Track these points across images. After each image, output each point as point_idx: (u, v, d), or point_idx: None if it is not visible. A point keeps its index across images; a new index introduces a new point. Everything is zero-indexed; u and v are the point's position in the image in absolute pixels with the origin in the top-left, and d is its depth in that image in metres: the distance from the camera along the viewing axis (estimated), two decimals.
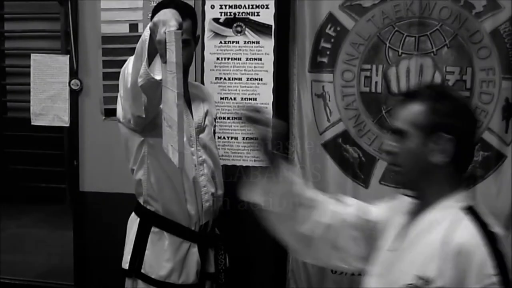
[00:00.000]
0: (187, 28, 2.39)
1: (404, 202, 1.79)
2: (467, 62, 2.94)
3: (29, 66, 3.42)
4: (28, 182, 6.32)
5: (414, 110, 1.62)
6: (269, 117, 1.95)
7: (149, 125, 2.30)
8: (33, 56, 3.42)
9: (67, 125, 3.41)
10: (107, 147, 3.27)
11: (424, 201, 1.67)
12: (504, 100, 2.94)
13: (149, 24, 1.92)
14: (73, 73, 3.34)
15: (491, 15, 2.89)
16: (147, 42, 1.93)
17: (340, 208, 1.93)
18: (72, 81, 3.34)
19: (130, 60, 2.15)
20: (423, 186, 1.65)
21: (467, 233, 1.51)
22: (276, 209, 1.92)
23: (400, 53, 3.00)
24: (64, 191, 6.08)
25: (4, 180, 6.43)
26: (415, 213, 1.68)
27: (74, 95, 3.36)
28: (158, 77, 1.94)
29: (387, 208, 1.87)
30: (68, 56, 3.35)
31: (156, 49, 1.89)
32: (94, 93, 3.33)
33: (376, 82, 3.04)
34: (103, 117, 3.30)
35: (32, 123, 3.46)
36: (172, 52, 1.75)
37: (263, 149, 1.89)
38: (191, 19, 2.45)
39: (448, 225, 1.54)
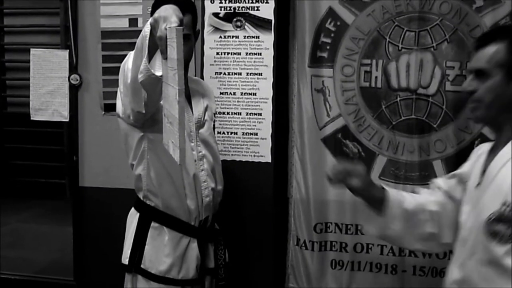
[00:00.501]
0: (187, 22, 2.38)
1: (485, 146, 1.90)
2: (467, 56, 2.93)
3: (28, 61, 3.41)
4: (28, 177, 6.32)
5: (494, 49, 1.73)
6: (354, 165, 2.01)
7: (148, 120, 2.30)
8: (32, 51, 3.41)
9: (67, 120, 3.40)
10: (107, 142, 3.27)
11: (503, 135, 1.77)
12: None
13: (150, 20, 1.92)
14: (73, 68, 3.34)
15: (491, 10, 2.89)
16: (147, 38, 1.92)
17: (437, 193, 2.07)
18: (72, 76, 3.34)
19: (130, 55, 2.14)
20: (503, 120, 1.76)
21: None
22: (398, 232, 2.02)
23: (400, 48, 3.00)
24: (64, 186, 6.07)
25: (4, 175, 6.43)
26: (495, 149, 1.80)
27: (74, 90, 3.36)
28: (158, 73, 1.94)
29: (471, 159, 1.98)
30: (68, 51, 3.34)
31: (156, 45, 1.89)
32: (93, 88, 3.33)
33: (376, 77, 3.04)
34: (103, 112, 3.30)
35: (32, 118, 3.46)
36: (174, 49, 1.75)
37: (367, 194, 1.98)
38: (191, 13, 2.44)
39: None
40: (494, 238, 1.64)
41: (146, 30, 1.93)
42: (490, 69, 1.73)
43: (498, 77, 1.71)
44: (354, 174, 1.93)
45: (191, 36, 2.46)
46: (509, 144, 1.72)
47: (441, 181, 2.10)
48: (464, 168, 2.00)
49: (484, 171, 1.79)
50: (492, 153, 1.80)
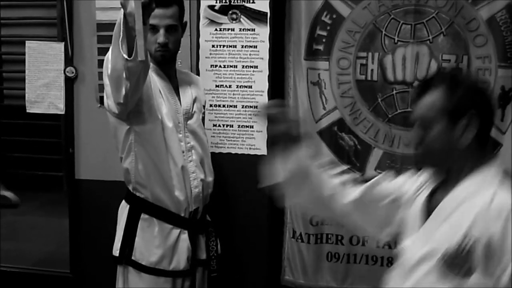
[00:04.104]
0: (173, 14, 2.42)
1: (427, 178, 1.86)
2: (463, 50, 2.94)
3: (24, 54, 3.40)
4: (25, 170, 6.31)
5: (434, 97, 1.69)
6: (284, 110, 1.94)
7: (133, 112, 2.32)
8: (28, 43, 3.40)
9: (62, 112, 3.40)
10: (103, 134, 3.25)
11: (452, 175, 1.73)
12: (500, 88, 2.94)
13: (121, 1, 1.97)
14: (68, 61, 3.33)
15: (487, 3, 2.88)
16: (122, 20, 1.99)
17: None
18: (67, 69, 3.33)
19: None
20: (452, 165, 1.72)
21: (507, 196, 1.60)
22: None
23: (396, 41, 3.00)
24: (61, 179, 6.06)
25: (1, 167, 6.42)
26: (444, 185, 1.76)
27: (69, 83, 3.35)
28: (126, 56, 2.01)
29: (411, 184, 1.93)
30: (63, 43, 3.33)
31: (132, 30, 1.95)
32: (89, 81, 3.32)
33: (372, 70, 3.04)
34: (98, 105, 3.29)
35: (28, 111, 3.45)
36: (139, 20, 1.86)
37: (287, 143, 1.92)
38: (177, 5, 2.46)
39: (488, 191, 1.62)
40: (451, 272, 1.63)
41: (121, 13, 2.00)
42: (433, 117, 1.70)
43: (442, 125, 1.68)
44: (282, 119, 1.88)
45: (178, 27, 2.48)
46: (465, 182, 1.69)
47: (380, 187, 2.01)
48: (407, 188, 1.94)
49: (430, 204, 1.77)
50: (442, 188, 1.77)
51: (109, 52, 2.14)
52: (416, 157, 1.81)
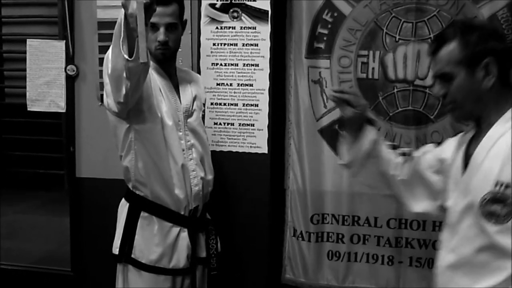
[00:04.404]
0: (173, 12, 2.42)
1: (466, 135, 1.93)
2: None
3: (26, 52, 3.40)
4: (26, 168, 6.31)
5: (449, 50, 1.77)
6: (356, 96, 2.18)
7: (133, 111, 2.31)
8: (29, 41, 3.40)
9: (63, 111, 3.40)
10: (104, 132, 3.26)
11: (483, 123, 1.80)
12: None
13: (122, 1, 1.96)
14: (69, 59, 3.33)
15: (489, 1, 2.87)
16: (123, 21, 1.98)
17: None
18: (68, 67, 3.33)
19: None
20: (480, 112, 1.79)
21: None
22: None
23: (397, 39, 2.99)
24: (62, 177, 6.06)
25: (1, 166, 6.42)
26: (477, 136, 1.82)
27: (70, 81, 3.35)
28: (128, 57, 2.00)
29: (453, 146, 1.99)
30: (64, 41, 3.33)
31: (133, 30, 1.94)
32: (90, 79, 3.33)
33: (373, 68, 3.04)
34: (100, 103, 3.29)
35: (28, 109, 3.45)
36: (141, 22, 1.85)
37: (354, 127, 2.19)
38: (177, 3, 2.46)
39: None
40: (490, 219, 1.67)
41: (121, 13, 1.98)
42: (452, 70, 1.76)
43: (462, 75, 1.75)
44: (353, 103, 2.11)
45: (178, 25, 2.48)
46: (493, 128, 1.74)
47: (424, 161, 2.13)
48: (446, 153, 2.01)
49: (467, 157, 1.82)
50: (475, 140, 1.82)
51: (109, 51, 2.13)
52: (449, 113, 1.90)
